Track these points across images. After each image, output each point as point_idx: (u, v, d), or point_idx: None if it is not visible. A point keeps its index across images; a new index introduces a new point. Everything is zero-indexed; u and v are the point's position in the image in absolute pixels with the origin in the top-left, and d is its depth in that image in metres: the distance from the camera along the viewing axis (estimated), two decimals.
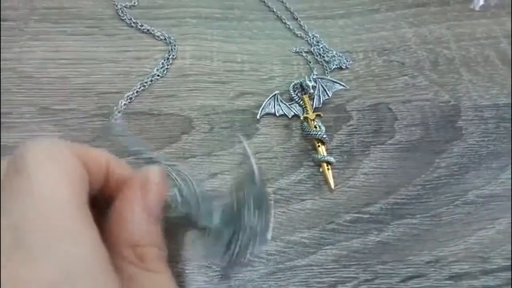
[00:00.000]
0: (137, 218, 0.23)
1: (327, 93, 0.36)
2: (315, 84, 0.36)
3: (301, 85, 0.36)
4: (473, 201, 0.32)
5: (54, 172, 0.18)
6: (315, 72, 0.38)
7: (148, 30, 0.40)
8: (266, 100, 0.36)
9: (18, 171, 0.18)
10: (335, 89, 0.36)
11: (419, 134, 0.35)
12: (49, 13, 0.41)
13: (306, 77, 0.36)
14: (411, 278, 0.29)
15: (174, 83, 0.37)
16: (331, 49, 0.39)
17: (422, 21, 0.42)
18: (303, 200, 0.32)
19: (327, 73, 0.38)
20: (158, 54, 0.38)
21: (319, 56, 0.39)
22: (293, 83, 0.37)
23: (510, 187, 0.33)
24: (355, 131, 0.35)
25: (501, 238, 0.31)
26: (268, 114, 0.36)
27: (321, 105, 0.36)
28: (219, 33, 0.40)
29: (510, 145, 0.35)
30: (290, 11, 0.42)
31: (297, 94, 0.36)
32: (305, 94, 0.36)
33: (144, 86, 0.36)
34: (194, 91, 0.37)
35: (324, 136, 0.33)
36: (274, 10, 0.42)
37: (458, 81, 0.38)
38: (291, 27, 0.41)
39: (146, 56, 0.38)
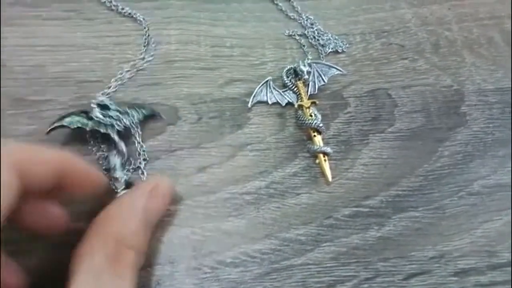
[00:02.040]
0: (135, 216, 0.24)
1: (322, 79, 0.33)
2: (309, 69, 0.33)
3: (294, 70, 0.34)
4: (479, 191, 0.30)
5: None
6: (309, 57, 0.36)
7: (129, 13, 0.37)
8: (258, 87, 0.33)
9: None
10: (331, 74, 0.34)
11: (420, 121, 0.33)
12: None
13: (300, 62, 0.34)
14: (414, 275, 0.28)
15: (158, 70, 0.35)
16: (326, 31, 0.37)
17: (422, 1, 0.39)
18: (298, 194, 0.30)
19: (322, 57, 0.36)
20: (140, 39, 0.36)
21: (313, 40, 0.37)
22: (286, 69, 0.34)
23: None
24: (353, 119, 0.33)
25: (508, 230, 0.29)
26: (260, 102, 0.33)
27: (316, 91, 0.33)
28: (206, 16, 0.38)
29: None
30: None
31: (290, 80, 0.34)
32: (299, 80, 0.34)
33: (122, 74, 0.34)
34: (180, 78, 0.34)
35: (320, 125, 0.31)
36: None
37: (460, 64, 0.36)
38: (283, 8, 0.38)
39: (128, 42, 0.36)
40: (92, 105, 0.31)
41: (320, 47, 0.36)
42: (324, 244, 0.28)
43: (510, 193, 0.30)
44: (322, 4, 0.39)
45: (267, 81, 0.33)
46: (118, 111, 0.32)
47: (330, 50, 0.36)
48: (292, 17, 0.38)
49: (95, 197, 0.26)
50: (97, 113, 0.31)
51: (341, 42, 0.36)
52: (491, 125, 0.33)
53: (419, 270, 0.28)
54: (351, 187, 0.30)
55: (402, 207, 0.30)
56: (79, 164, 0.24)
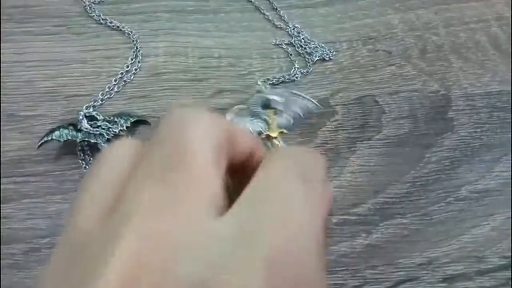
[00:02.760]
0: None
1: (298, 113, 0.32)
2: (281, 99, 0.32)
3: (266, 99, 0.32)
4: (466, 197, 0.31)
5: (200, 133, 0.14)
6: (296, 66, 0.36)
7: (117, 27, 0.37)
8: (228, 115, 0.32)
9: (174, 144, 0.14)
10: (306, 108, 0.32)
11: (408, 127, 0.33)
12: (13, 13, 0.38)
13: (274, 92, 0.32)
14: (402, 282, 0.28)
15: (146, 82, 0.35)
16: (313, 40, 0.37)
17: (408, 6, 0.39)
18: None
19: (309, 65, 0.36)
20: (129, 52, 0.36)
21: (300, 48, 0.37)
22: (253, 98, 0.33)
23: (505, 181, 0.31)
24: (340, 127, 0.33)
25: (496, 235, 0.29)
26: None
27: (291, 123, 0.32)
28: (194, 27, 0.38)
29: (510, 135, 0.33)
30: (269, 0, 0.40)
31: (261, 109, 0.32)
32: (269, 108, 0.32)
33: (110, 88, 0.34)
34: (169, 90, 0.35)
35: None
36: (252, 0, 0.40)
37: (447, 69, 0.36)
38: (270, 18, 0.39)
39: (116, 55, 0.36)
40: (80, 117, 0.32)
41: (307, 56, 0.36)
42: None
43: (498, 198, 0.30)
44: (309, 12, 0.39)
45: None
46: (106, 120, 0.32)
47: (317, 58, 0.36)
48: (279, 26, 0.38)
49: None
50: (85, 124, 0.32)
51: (328, 50, 0.36)
52: (478, 129, 0.33)
53: (407, 277, 0.28)
54: (339, 195, 0.31)
55: (389, 214, 0.30)
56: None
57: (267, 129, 0.32)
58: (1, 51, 0.36)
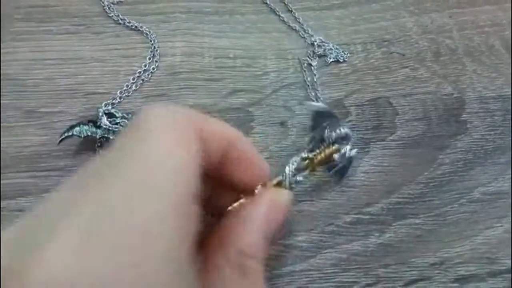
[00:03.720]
0: (255, 228, 0.22)
1: (340, 172, 0.30)
2: (350, 152, 0.29)
3: (345, 133, 0.29)
4: (479, 198, 0.31)
5: (169, 139, 0.17)
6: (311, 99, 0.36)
7: (136, 26, 0.38)
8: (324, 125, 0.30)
9: (135, 128, 0.18)
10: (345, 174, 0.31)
11: (421, 129, 0.34)
12: (33, 12, 0.39)
13: (352, 146, 0.30)
14: (415, 281, 0.28)
15: (164, 81, 0.36)
16: (328, 41, 0.38)
17: (423, 9, 0.40)
18: (300, 201, 0.31)
19: (325, 66, 0.36)
20: (147, 52, 0.37)
21: (315, 49, 0.37)
22: (338, 132, 0.29)
23: None
24: (354, 127, 0.34)
25: (509, 237, 0.29)
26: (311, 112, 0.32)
27: (327, 172, 0.31)
28: (210, 28, 0.39)
29: None
30: (284, 2, 0.40)
31: (329, 140, 0.29)
32: (332, 144, 0.29)
33: (128, 86, 0.35)
34: (185, 89, 0.35)
35: (291, 186, 0.27)
36: (268, 2, 0.40)
37: (461, 72, 0.36)
38: (285, 19, 0.39)
39: (134, 54, 0.37)
40: (100, 114, 0.33)
41: (321, 57, 0.37)
42: (326, 251, 0.29)
43: (511, 200, 0.31)
44: (324, 14, 0.40)
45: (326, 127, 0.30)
46: (124, 117, 0.33)
47: (331, 60, 0.37)
48: (294, 28, 0.39)
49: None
50: (105, 121, 0.32)
51: (343, 51, 0.37)
52: (492, 132, 0.33)
53: (420, 277, 0.28)
54: (352, 194, 0.31)
55: (402, 214, 0.30)
56: (247, 146, 0.21)
57: (315, 156, 0.28)
58: (20, 49, 0.37)
